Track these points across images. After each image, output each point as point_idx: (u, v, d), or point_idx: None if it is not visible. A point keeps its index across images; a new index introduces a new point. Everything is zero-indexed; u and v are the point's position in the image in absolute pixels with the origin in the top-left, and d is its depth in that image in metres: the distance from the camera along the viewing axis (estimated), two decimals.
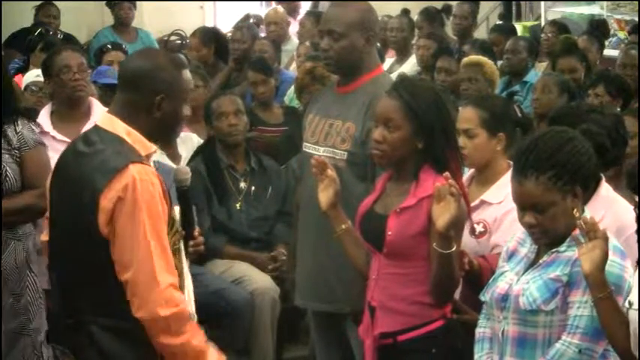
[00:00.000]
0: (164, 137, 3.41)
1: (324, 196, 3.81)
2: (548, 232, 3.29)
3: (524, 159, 3.26)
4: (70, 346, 3.27)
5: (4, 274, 4.52)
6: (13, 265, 4.56)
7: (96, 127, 3.31)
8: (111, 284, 3.16)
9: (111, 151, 3.18)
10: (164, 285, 3.11)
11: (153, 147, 3.30)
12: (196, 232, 3.61)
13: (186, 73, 3.33)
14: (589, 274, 3.09)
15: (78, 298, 3.22)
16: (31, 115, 4.98)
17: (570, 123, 3.65)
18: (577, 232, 3.17)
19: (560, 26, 8.87)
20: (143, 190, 3.12)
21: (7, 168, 4.54)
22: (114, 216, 3.12)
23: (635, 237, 3.36)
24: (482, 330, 3.50)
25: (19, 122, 4.63)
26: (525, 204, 3.27)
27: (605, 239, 3.09)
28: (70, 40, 8.45)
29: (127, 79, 3.30)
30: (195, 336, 3.19)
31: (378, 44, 8.40)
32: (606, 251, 3.09)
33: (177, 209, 3.44)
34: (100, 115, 4.99)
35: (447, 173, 3.47)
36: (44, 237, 3.43)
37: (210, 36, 8.71)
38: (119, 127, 3.24)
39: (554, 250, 3.30)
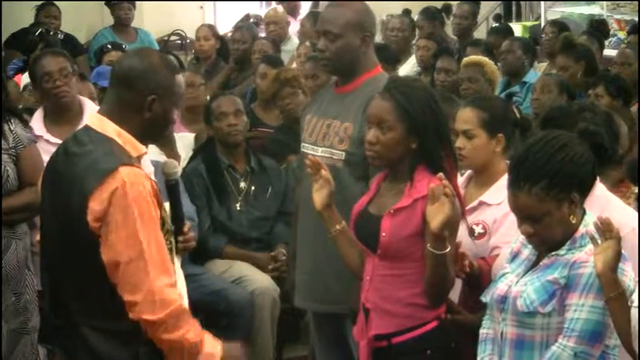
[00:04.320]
0: (151, 138, 3.39)
1: (319, 196, 3.80)
2: (546, 240, 3.29)
3: (517, 170, 3.26)
4: (61, 346, 3.27)
5: (6, 274, 4.54)
6: (15, 265, 4.59)
7: (86, 127, 3.30)
8: (101, 285, 3.15)
9: (101, 153, 3.17)
10: (158, 287, 3.11)
11: (143, 148, 3.29)
12: (186, 228, 3.58)
13: (180, 77, 3.33)
14: (601, 273, 3.11)
15: (69, 299, 3.21)
16: (24, 114, 5.00)
17: (563, 123, 3.64)
18: (593, 231, 3.19)
19: (560, 26, 8.86)
20: (133, 192, 3.11)
21: (7, 168, 4.56)
22: (105, 219, 3.10)
23: (634, 235, 3.38)
24: (485, 331, 3.50)
25: (12, 121, 4.65)
26: (521, 214, 3.28)
27: (618, 239, 3.10)
28: (70, 40, 8.47)
29: (119, 78, 3.28)
30: (191, 329, 3.19)
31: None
32: (619, 251, 3.10)
33: (167, 205, 3.42)
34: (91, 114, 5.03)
35: (440, 174, 3.46)
36: (38, 237, 3.43)
37: (217, 31, 8.84)
38: (109, 128, 3.22)
39: (553, 253, 3.30)
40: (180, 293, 3.25)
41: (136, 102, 3.23)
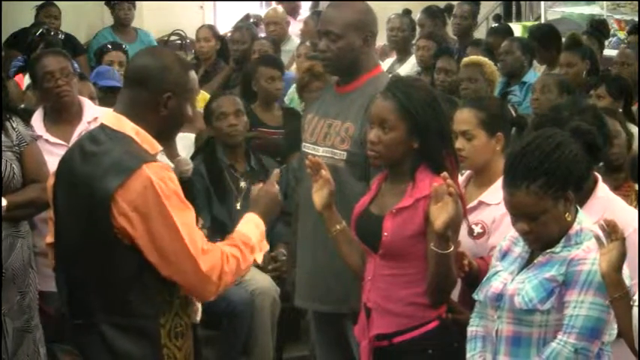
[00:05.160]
0: (168, 135, 3.41)
1: (319, 196, 3.81)
2: (541, 238, 3.30)
3: (514, 169, 3.27)
4: (78, 345, 3.27)
5: (13, 273, 4.55)
6: (20, 263, 4.60)
7: (102, 126, 3.30)
8: (122, 283, 3.17)
9: (122, 151, 3.18)
10: (211, 273, 3.21)
11: (159, 146, 3.30)
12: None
13: (193, 73, 3.35)
14: (606, 274, 3.12)
15: (88, 298, 3.23)
16: (26, 113, 5.00)
17: (556, 123, 3.64)
18: (589, 229, 3.21)
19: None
20: (163, 187, 3.15)
21: (13, 165, 4.57)
22: (141, 219, 3.13)
23: (635, 235, 3.38)
24: (474, 329, 3.51)
25: (13, 119, 4.65)
26: (518, 213, 3.29)
27: (623, 240, 3.11)
28: (70, 40, 8.46)
29: (135, 77, 3.30)
30: (243, 261, 3.33)
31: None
32: (623, 252, 3.11)
33: None
34: (92, 114, 5.03)
35: (444, 173, 3.47)
36: (49, 239, 3.42)
37: (217, 32, 8.85)
38: (127, 126, 3.24)
39: (548, 250, 3.31)
40: (227, 265, 3.32)
41: (152, 100, 3.25)
